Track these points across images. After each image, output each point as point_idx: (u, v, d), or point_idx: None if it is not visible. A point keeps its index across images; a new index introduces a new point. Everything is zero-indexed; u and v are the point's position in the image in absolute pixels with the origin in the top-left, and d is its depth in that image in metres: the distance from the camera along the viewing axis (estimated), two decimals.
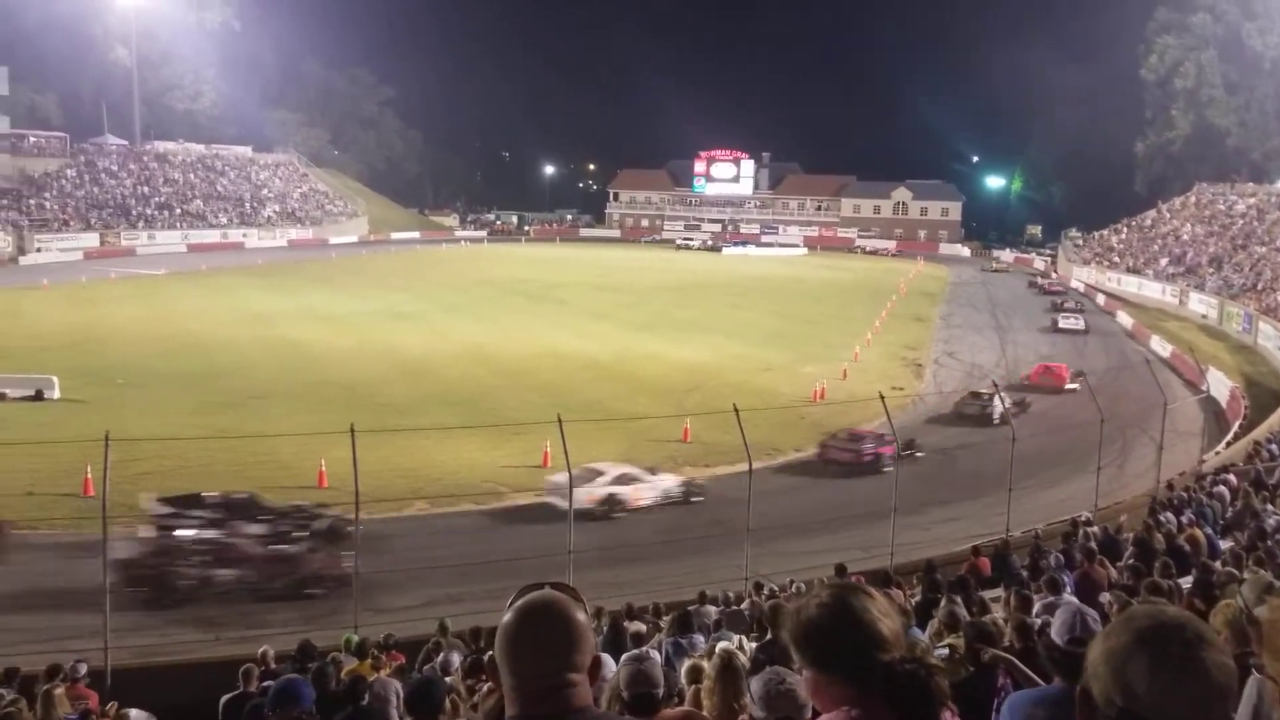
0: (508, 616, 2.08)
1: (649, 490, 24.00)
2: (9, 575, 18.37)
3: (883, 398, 21.22)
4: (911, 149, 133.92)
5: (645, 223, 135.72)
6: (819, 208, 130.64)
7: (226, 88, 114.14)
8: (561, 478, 17.80)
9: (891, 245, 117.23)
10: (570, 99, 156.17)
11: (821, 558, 17.48)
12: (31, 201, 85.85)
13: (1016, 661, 5.25)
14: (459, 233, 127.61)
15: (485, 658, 7.78)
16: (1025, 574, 13.52)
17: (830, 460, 27.87)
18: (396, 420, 28.07)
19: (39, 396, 31.90)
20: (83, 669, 11.17)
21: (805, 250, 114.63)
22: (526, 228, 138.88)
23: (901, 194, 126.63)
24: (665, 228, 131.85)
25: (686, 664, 5.38)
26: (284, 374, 36.97)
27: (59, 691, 9.31)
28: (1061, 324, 56.64)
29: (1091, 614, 4.18)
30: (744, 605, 13.14)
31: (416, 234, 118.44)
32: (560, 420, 16.17)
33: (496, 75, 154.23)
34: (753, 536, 17.47)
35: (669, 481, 24.70)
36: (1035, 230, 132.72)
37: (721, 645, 6.12)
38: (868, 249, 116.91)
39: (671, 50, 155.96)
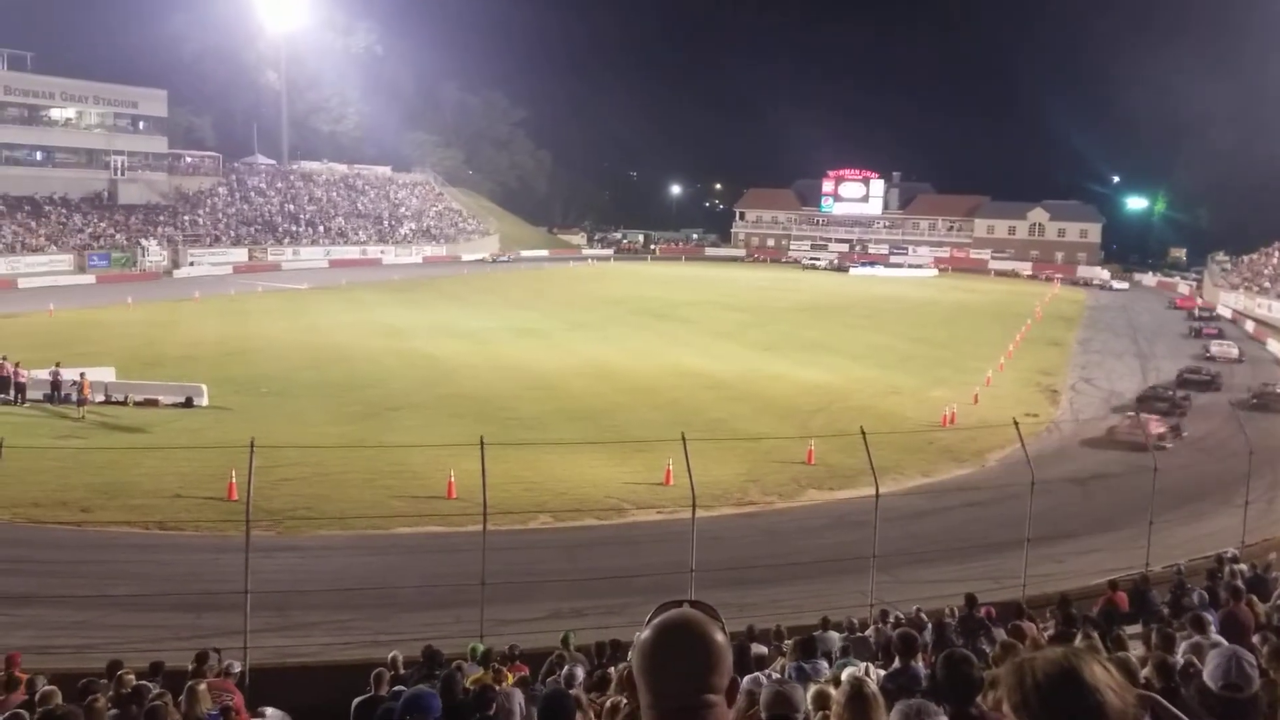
0: (646, 633, 2.07)
1: None
2: (156, 574, 19.34)
3: (1016, 424, 20.57)
4: (1049, 169, 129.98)
5: (771, 242, 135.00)
6: (951, 228, 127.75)
7: (368, 110, 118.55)
8: None
9: (1026, 266, 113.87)
10: (698, 119, 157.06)
11: (949, 587, 17.01)
12: (186, 218, 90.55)
13: (1164, 701, 5.00)
14: (586, 251, 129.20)
15: (623, 671, 7.80)
16: (1166, 611, 12.91)
17: (1122, 441, 30.95)
18: (523, 434, 28.56)
19: (189, 404, 33.55)
20: (226, 665, 11.64)
21: (936, 271, 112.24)
22: (652, 246, 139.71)
23: (1038, 215, 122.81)
24: (791, 247, 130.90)
25: (812, 690, 5.30)
26: (417, 387, 38.02)
27: (202, 688, 9.72)
28: (1214, 350, 53.94)
29: (1248, 658, 3.96)
30: (869, 632, 12.88)
31: (545, 252, 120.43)
32: (684, 439, 16.16)
33: (625, 96, 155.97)
34: (878, 562, 17.12)
35: None
36: (1179, 253, 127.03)
37: (849, 672, 6.01)
38: (1000, 270, 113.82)
39: (801, 69, 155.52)
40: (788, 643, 10.74)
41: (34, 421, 30.93)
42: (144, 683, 10.21)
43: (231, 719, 9.66)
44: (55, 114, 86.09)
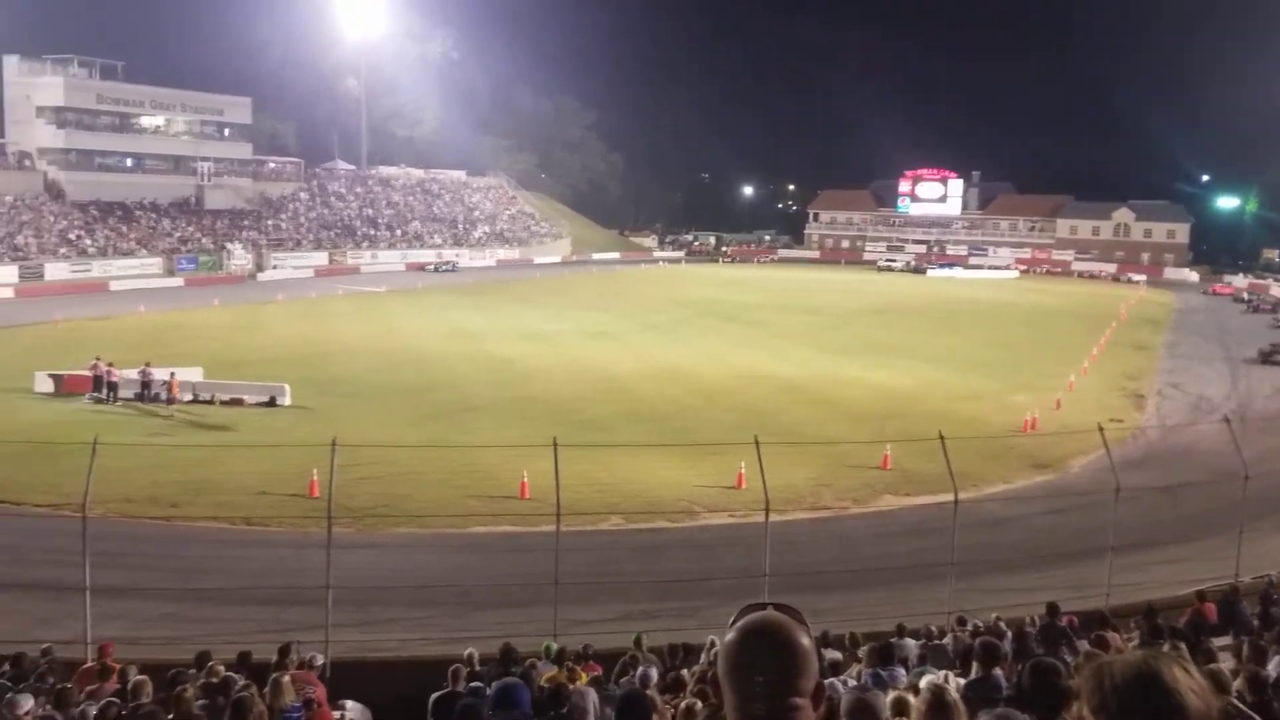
0: (730, 636, 2.09)
1: None
2: (241, 568, 19.85)
3: (1101, 430, 20.11)
4: (1134, 167, 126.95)
5: (846, 244, 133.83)
6: (1032, 229, 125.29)
7: (444, 115, 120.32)
8: None
9: (1111, 268, 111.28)
10: (772, 119, 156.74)
11: (1029, 595, 16.69)
12: (269, 222, 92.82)
13: (1255, 717, 4.89)
14: (657, 253, 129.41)
15: (703, 673, 7.82)
16: (1257, 623, 12.53)
17: None
18: (594, 436, 28.68)
19: (272, 403, 34.38)
20: (309, 658, 11.92)
21: (1016, 273, 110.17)
22: (724, 249, 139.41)
23: (1123, 215, 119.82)
24: (867, 249, 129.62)
25: (891, 696, 5.26)
26: (490, 388, 38.46)
27: (286, 679, 9.98)
28: None
29: None
30: (946, 640, 12.72)
31: (616, 254, 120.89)
32: (757, 442, 16.12)
33: (698, 97, 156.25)
34: (955, 570, 16.88)
35: None
36: (1273, 254, 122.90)
37: (929, 680, 5.96)
38: (1084, 272, 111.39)
39: (876, 67, 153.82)
40: (863, 649, 10.67)
41: (126, 420, 31.97)
42: (231, 674, 10.52)
43: (314, 711, 9.89)
44: (145, 122, 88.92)
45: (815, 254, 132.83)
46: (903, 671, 9.55)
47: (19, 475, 25.40)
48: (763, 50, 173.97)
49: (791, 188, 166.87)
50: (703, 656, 11.23)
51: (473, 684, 9.00)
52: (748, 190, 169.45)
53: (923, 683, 6.24)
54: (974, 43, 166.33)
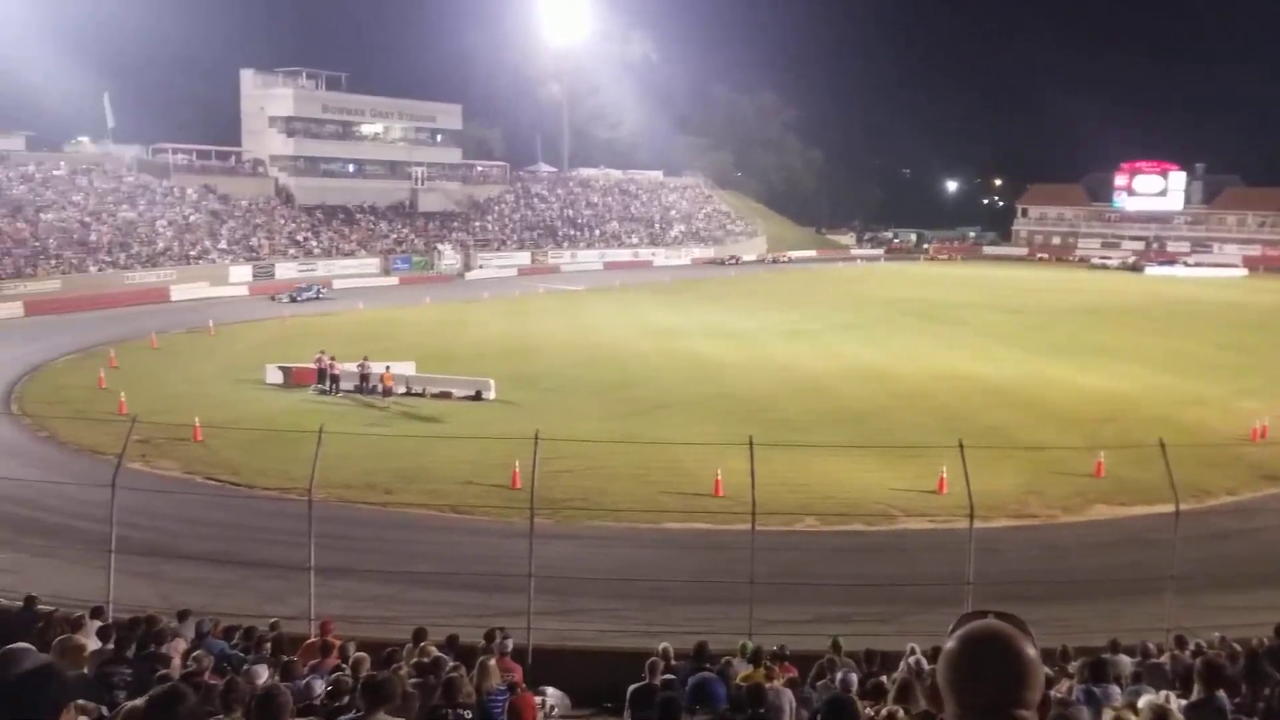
0: (952, 644, 2.06)
1: None
2: (450, 554, 20.80)
3: None
4: None
5: (1056, 241, 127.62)
6: (1263, 224, 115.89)
7: (642, 115, 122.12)
8: None
9: None
10: (977, 111, 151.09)
11: (1256, 615, 15.47)
12: (476, 223, 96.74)
13: None
14: (855, 251, 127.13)
15: (923, 682, 7.66)
16: None
17: None
18: (789, 436, 28.47)
19: (478, 397, 35.84)
20: (510, 644, 12.39)
21: (1245, 271, 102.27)
22: (925, 246, 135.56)
23: None
24: (1079, 246, 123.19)
25: (1108, 716, 5.02)
26: (685, 385, 38.80)
27: (492, 663, 10.40)
28: None
29: None
30: (1164, 659, 11.98)
31: (813, 252, 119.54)
32: (961, 445, 15.63)
33: (899, 90, 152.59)
34: (1175, 585, 15.87)
35: None
36: None
37: (1148, 700, 5.65)
38: None
39: (1089, 55, 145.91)
40: (1074, 664, 10.20)
41: (346, 410, 34.04)
42: (442, 654, 11.05)
43: (518, 695, 10.27)
44: (365, 129, 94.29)
45: (1023, 251, 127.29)
46: (1117, 689, 9.07)
47: (252, 461, 27.48)
48: (969, 40, 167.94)
49: (998, 182, 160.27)
50: (901, 664, 10.99)
51: (666, 677, 9.12)
52: (951, 185, 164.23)
53: (1142, 702, 5.92)
54: (1198, 26, 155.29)
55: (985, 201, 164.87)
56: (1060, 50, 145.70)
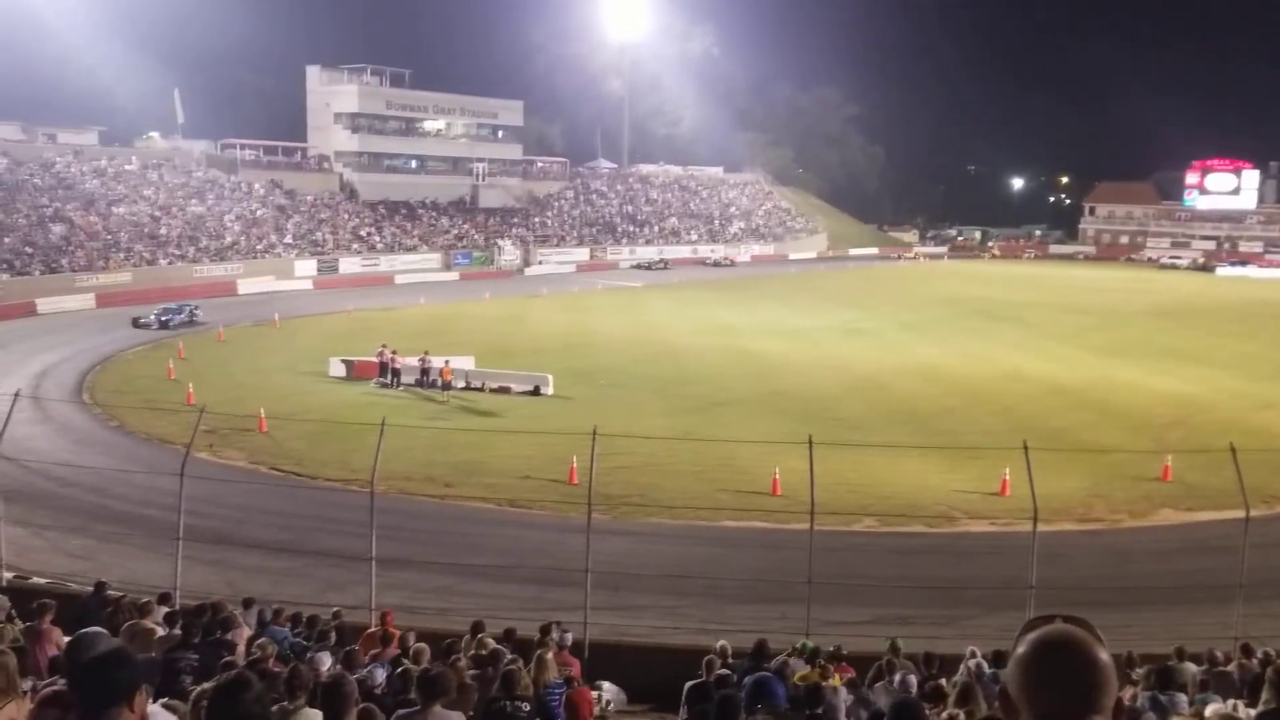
0: (1024, 649, 2.02)
1: None
2: (507, 547, 20.97)
3: None
4: None
5: (1125, 240, 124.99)
6: None
7: (702, 112, 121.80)
8: None
9: None
10: (1043, 107, 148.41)
11: None
12: (536, 219, 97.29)
13: None
14: (917, 249, 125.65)
15: (998, 685, 7.51)
16: None
17: None
18: (848, 435, 28.24)
19: (536, 392, 36.06)
20: (568, 637, 12.45)
21: None
22: (989, 244, 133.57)
23: None
24: (1148, 245, 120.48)
25: None
26: (743, 383, 38.67)
27: (550, 656, 10.46)
28: None
29: None
30: (1231, 667, 11.68)
31: (874, 250, 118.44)
32: (1026, 447, 15.38)
33: (964, 86, 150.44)
34: (1244, 592, 15.46)
35: None
36: None
37: (1215, 709, 5.52)
38: None
39: (1159, 50, 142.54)
40: (1139, 671, 9.99)
41: (407, 403, 34.45)
42: (500, 647, 11.13)
43: (574, 689, 10.30)
44: (428, 126, 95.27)
45: (1090, 250, 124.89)
46: (1183, 697, 8.86)
47: (315, 452, 27.94)
48: (1036, 34, 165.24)
49: (1065, 180, 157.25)
50: (961, 667, 10.85)
51: (721, 672, 9.10)
52: (1016, 183, 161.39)
53: (1209, 710, 5.78)
54: (1273, 20, 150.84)
55: (1051, 199, 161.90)
56: (1130, 45, 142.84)
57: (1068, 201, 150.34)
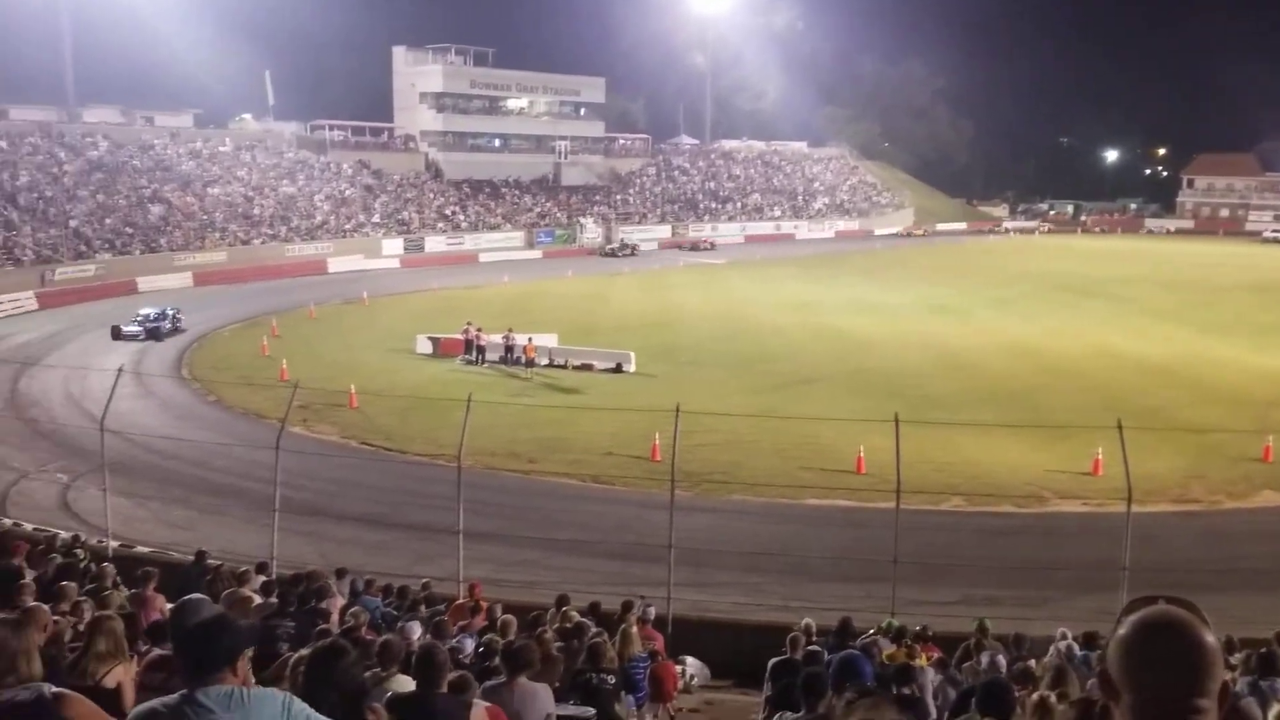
0: (1126, 631, 1.97)
1: None
2: (590, 522, 21.16)
3: None
4: None
5: (1225, 213, 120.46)
6: None
7: (786, 86, 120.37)
8: None
9: None
10: (1139, 77, 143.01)
11: None
12: (618, 197, 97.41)
13: None
14: (1007, 224, 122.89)
15: (1089, 668, 7.42)
16: None
17: None
18: (934, 413, 27.79)
19: (618, 369, 36.23)
20: (652, 612, 12.55)
21: None
22: (1082, 218, 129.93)
23: None
24: (1250, 218, 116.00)
25: (1275, 710, 4.76)
26: (827, 361, 38.33)
27: (634, 630, 10.56)
28: None
29: None
30: None
31: (962, 225, 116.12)
32: (1120, 426, 14.99)
33: (1055, 57, 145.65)
34: None
35: None
36: None
37: None
38: None
39: (1262, 14, 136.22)
40: (1238, 656, 9.71)
41: (491, 380, 34.90)
42: (584, 620, 11.27)
43: (658, 663, 10.41)
44: (511, 104, 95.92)
45: (1188, 224, 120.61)
46: None
47: (403, 427, 28.51)
48: (1129, 2, 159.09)
49: (1162, 152, 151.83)
50: (1051, 649, 10.67)
51: (811, 648, 9.09)
52: (1111, 155, 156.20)
53: None
54: None
55: (1147, 172, 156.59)
56: (1231, 9, 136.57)
57: (1164, 174, 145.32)
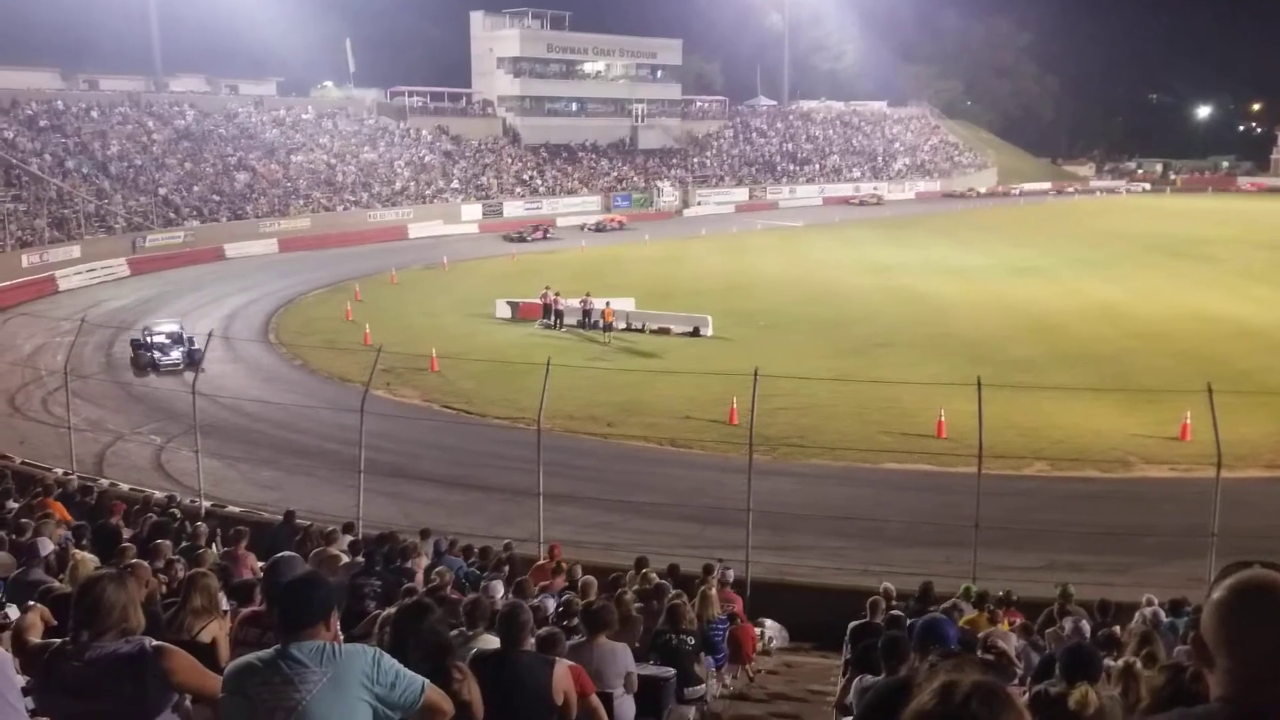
0: (1222, 594, 1.96)
1: None
2: (668, 485, 21.28)
3: None
4: None
5: None
6: None
7: (866, 45, 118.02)
8: None
9: None
10: (1232, 31, 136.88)
11: None
12: (695, 160, 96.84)
13: None
14: (1094, 183, 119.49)
15: (1190, 634, 7.27)
16: None
17: None
18: (1018, 377, 27.29)
19: (696, 333, 36.22)
20: (730, 575, 12.62)
21: None
22: (1172, 177, 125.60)
23: None
24: None
25: None
26: (907, 324, 37.81)
27: (713, 593, 10.65)
28: None
29: None
30: None
31: (1047, 185, 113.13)
32: (1210, 390, 14.59)
33: (1145, 10, 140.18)
34: None
35: None
36: None
37: None
38: None
39: None
40: None
41: (569, 344, 35.15)
42: (663, 581, 11.40)
43: (738, 625, 10.49)
44: (588, 68, 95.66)
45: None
46: None
47: (484, 390, 28.91)
48: None
49: (1256, 107, 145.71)
50: (1136, 615, 10.49)
51: (894, 612, 9.08)
52: (1203, 111, 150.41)
53: None
54: None
55: (1241, 129, 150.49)
56: None
57: (1259, 130, 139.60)
